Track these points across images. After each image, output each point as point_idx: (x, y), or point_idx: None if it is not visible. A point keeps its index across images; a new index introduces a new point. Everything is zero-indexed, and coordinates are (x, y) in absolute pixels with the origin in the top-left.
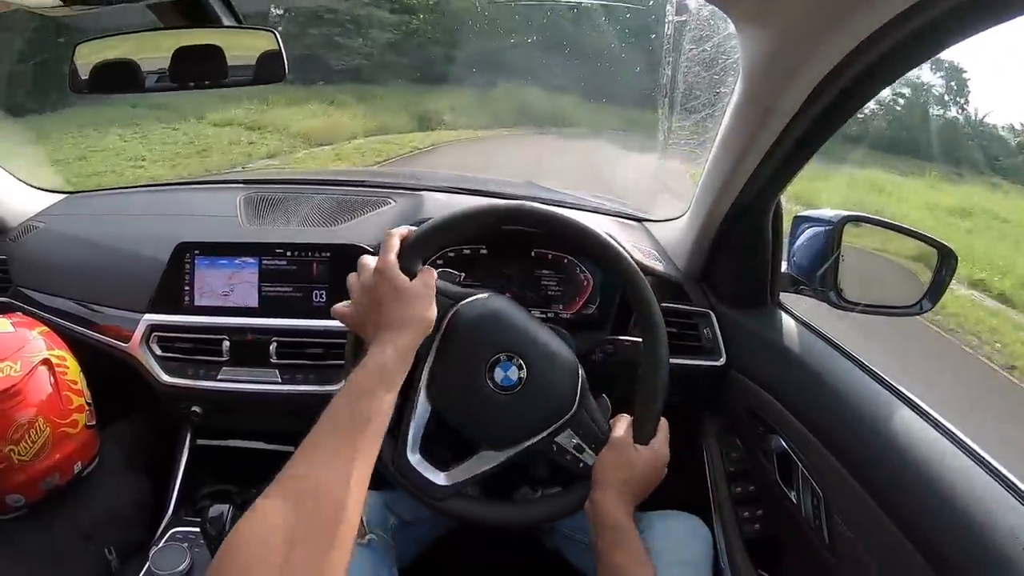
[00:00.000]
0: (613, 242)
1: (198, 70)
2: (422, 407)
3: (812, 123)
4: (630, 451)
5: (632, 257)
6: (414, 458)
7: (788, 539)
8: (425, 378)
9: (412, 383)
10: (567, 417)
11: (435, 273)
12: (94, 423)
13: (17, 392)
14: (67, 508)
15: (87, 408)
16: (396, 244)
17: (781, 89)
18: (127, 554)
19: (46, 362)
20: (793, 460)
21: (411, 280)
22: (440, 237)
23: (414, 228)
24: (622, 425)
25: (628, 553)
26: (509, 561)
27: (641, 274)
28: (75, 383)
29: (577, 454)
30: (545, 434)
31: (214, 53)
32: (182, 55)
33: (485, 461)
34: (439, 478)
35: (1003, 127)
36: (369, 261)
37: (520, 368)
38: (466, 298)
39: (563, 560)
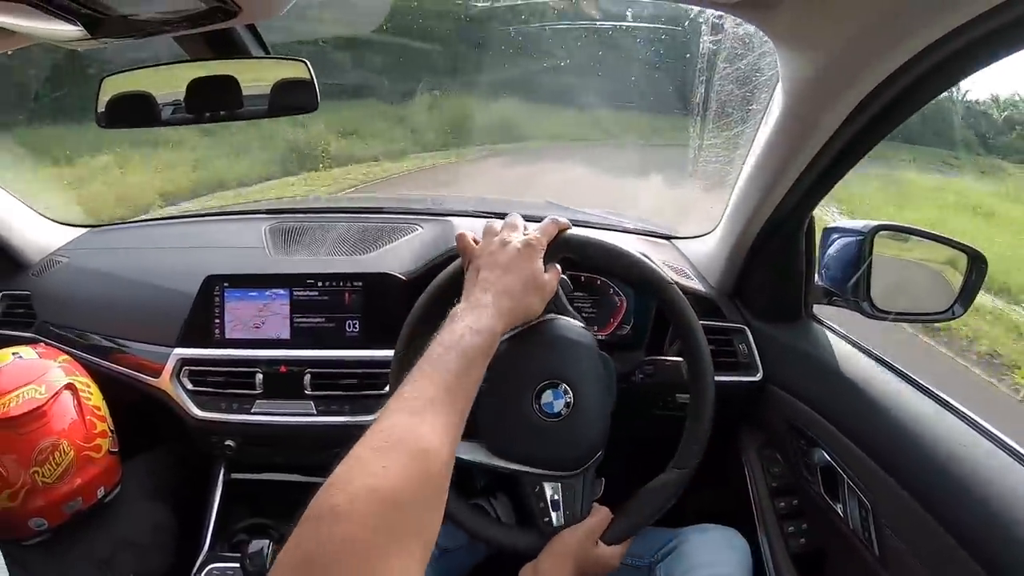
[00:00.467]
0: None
1: (213, 101)
2: None
3: (853, 137)
4: (593, 546)
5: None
6: None
7: (835, 552)
8: None
9: None
10: (567, 474)
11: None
12: (117, 450)
13: (42, 414)
14: (86, 534)
15: (110, 434)
16: (553, 232)
17: (823, 107)
18: None
19: (70, 387)
20: (838, 472)
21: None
22: (588, 255)
23: (572, 229)
24: (600, 515)
25: None
26: None
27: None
28: (98, 408)
29: (550, 510)
30: (541, 472)
31: (229, 84)
32: (197, 86)
33: (476, 454)
34: None
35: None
36: (519, 222)
37: (567, 396)
38: (563, 314)
39: None
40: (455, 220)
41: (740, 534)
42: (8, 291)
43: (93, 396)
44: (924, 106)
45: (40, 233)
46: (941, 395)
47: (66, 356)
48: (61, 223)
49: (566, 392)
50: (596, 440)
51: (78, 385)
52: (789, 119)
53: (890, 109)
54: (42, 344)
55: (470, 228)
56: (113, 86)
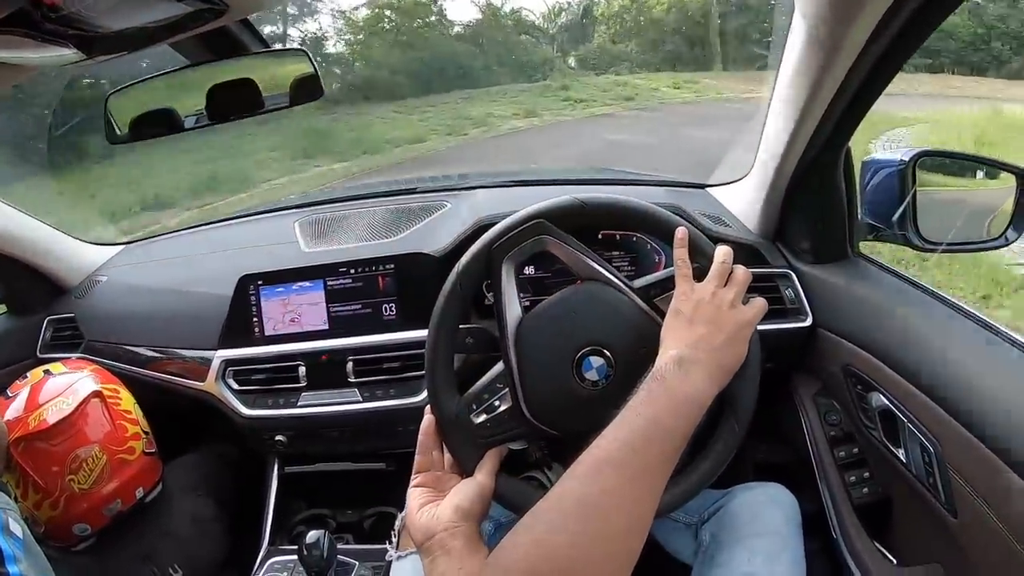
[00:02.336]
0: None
1: (235, 105)
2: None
3: (878, 60)
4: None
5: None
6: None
7: (900, 500)
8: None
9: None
10: None
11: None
12: (153, 450)
13: (71, 424)
14: (130, 532)
15: (143, 436)
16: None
17: (844, 26)
18: (195, 570)
19: (98, 394)
20: (897, 416)
21: None
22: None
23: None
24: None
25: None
26: None
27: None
28: (129, 412)
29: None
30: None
31: (248, 84)
32: (217, 92)
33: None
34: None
35: None
36: (743, 276)
37: (608, 364)
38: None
39: (652, 542)
40: (482, 192)
41: (787, 489)
42: (53, 315)
43: (123, 401)
44: (947, 18)
45: (77, 256)
46: (1003, 328)
47: (95, 367)
48: (96, 243)
49: (607, 360)
50: None
51: (106, 392)
52: (810, 46)
53: (913, 21)
54: (71, 359)
55: (501, 199)
56: (121, 101)
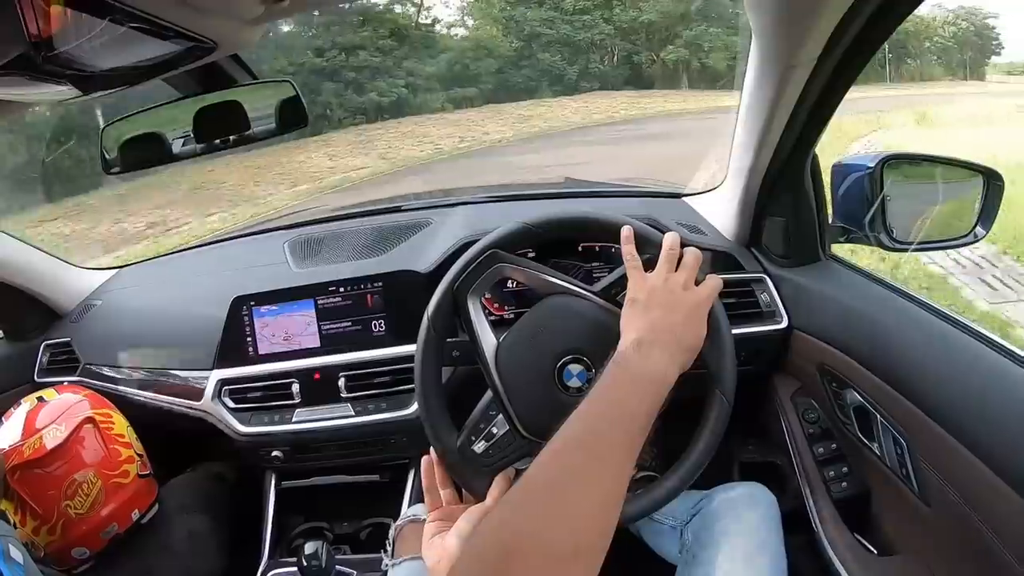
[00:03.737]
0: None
1: (221, 127)
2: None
3: (833, 72)
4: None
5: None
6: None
7: (877, 493)
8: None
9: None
10: None
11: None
12: (148, 472)
13: (65, 451)
14: (129, 553)
15: (137, 459)
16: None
17: (797, 44)
18: None
19: (90, 420)
20: (871, 412)
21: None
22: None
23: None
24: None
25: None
26: None
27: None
28: (122, 436)
29: None
30: None
31: (234, 107)
32: (204, 114)
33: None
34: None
35: None
36: (692, 258)
37: (588, 371)
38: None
39: (641, 544)
40: (465, 208)
41: (766, 488)
42: (50, 340)
43: (116, 425)
44: (895, 31)
45: (72, 281)
46: (967, 323)
47: (87, 392)
48: (90, 268)
49: (585, 365)
50: None
51: (98, 417)
52: (767, 62)
53: (862, 38)
54: (64, 384)
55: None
56: (115, 132)
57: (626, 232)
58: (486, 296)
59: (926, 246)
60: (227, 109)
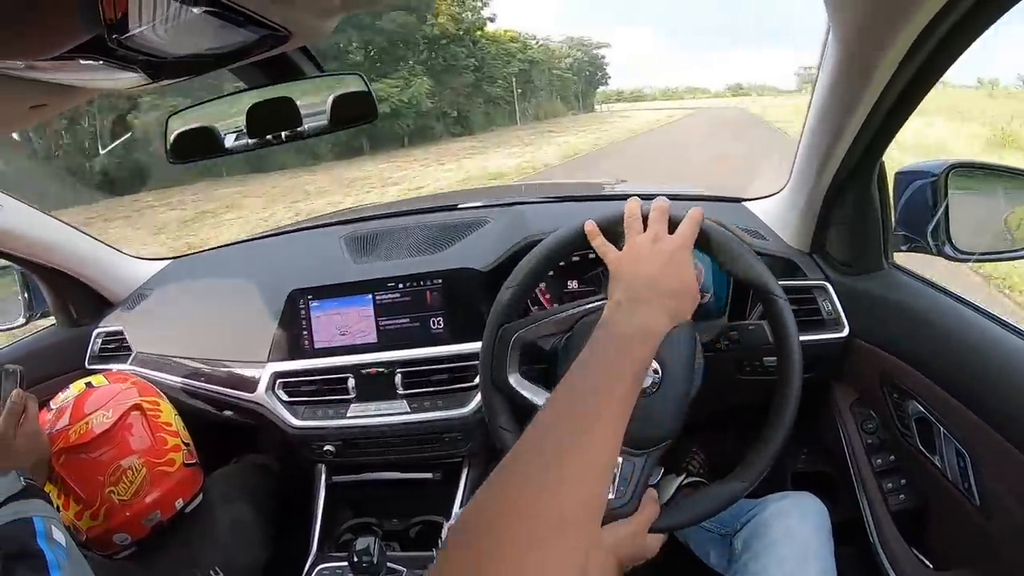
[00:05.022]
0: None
1: (273, 123)
2: None
3: (913, 77)
4: (640, 540)
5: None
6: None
7: (936, 507)
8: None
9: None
10: (635, 452)
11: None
12: (193, 461)
13: (111, 436)
14: (171, 541)
15: (183, 448)
16: (697, 230)
17: (878, 48)
18: (236, 572)
19: (137, 407)
20: (933, 424)
21: None
22: (714, 250)
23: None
24: (648, 511)
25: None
26: None
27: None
28: (169, 424)
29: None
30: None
31: (286, 104)
32: (256, 110)
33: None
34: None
35: None
36: (670, 211)
37: (656, 373)
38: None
39: (687, 552)
40: (527, 207)
41: (818, 499)
42: (102, 328)
43: (163, 413)
44: (980, 36)
45: (126, 270)
46: None
47: (135, 379)
48: (144, 258)
49: (655, 370)
50: (670, 425)
51: (145, 405)
52: (845, 65)
53: (946, 42)
54: (113, 371)
55: (546, 215)
56: (180, 123)
57: (589, 228)
58: (545, 296)
59: (989, 257)
60: (279, 105)
